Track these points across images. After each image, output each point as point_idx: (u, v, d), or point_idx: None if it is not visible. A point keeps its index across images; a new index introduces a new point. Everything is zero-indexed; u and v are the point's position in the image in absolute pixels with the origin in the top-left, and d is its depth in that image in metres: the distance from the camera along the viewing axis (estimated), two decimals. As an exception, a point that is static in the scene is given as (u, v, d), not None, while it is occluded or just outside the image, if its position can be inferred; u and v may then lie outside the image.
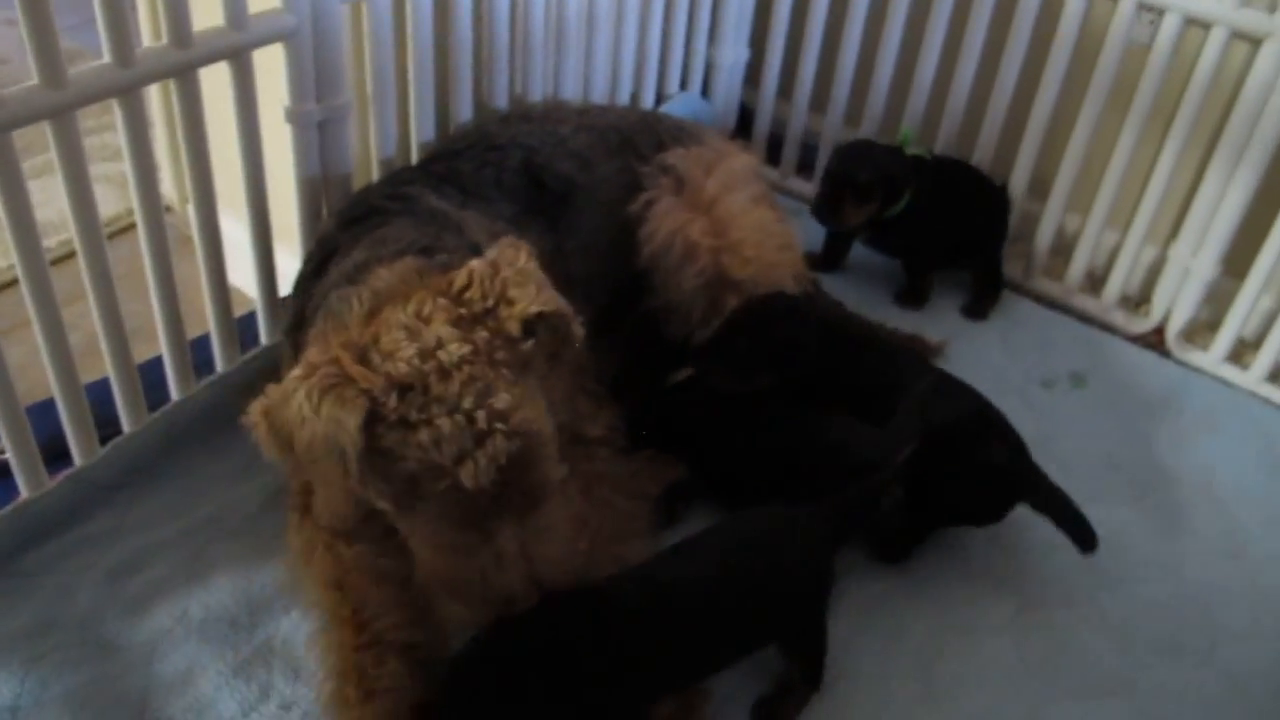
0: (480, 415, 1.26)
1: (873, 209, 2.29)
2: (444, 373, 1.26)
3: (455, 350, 1.27)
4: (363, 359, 1.27)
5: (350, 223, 1.62)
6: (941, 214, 2.35)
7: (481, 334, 1.30)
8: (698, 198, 1.97)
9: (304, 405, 1.24)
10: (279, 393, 1.28)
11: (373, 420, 1.24)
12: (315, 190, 1.85)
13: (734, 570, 1.47)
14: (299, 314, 1.57)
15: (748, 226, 1.98)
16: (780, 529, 1.52)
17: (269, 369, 1.90)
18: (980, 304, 2.44)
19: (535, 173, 1.86)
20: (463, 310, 1.31)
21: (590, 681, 1.33)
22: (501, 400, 1.28)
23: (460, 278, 1.33)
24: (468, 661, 1.35)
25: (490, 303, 1.31)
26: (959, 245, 2.44)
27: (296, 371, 1.28)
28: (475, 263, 1.34)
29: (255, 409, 1.30)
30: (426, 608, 1.57)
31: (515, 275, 1.33)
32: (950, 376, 1.86)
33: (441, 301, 1.30)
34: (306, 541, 1.62)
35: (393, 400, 1.25)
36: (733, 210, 1.96)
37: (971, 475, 1.76)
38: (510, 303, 1.31)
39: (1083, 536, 1.72)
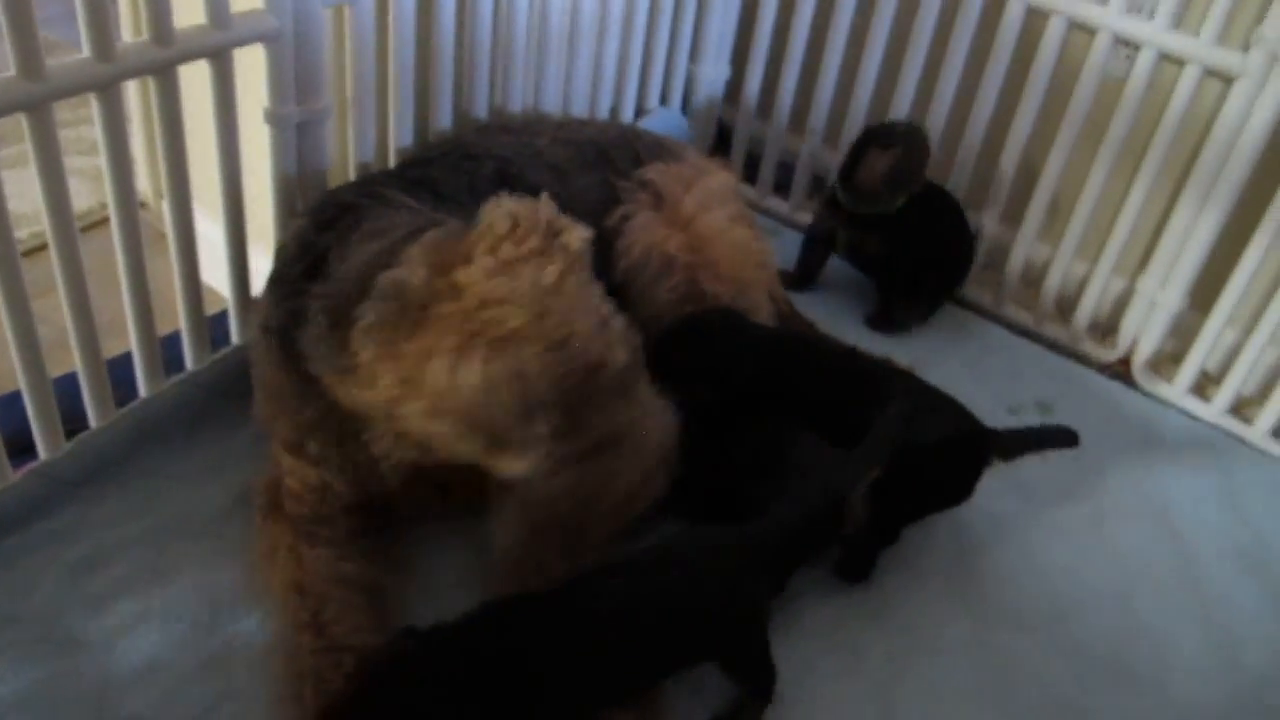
0: (595, 305, 1.42)
1: (918, 186, 2.32)
2: (555, 291, 1.35)
3: (552, 271, 1.36)
4: (486, 320, 1.33)
5: (327, 224, 1.61)
6: (924, 230, 2.39)
7: (558, 256, 1.38)
8: (675, 214, 1.98)
9: (471, 378, 1.30)
10: (442, 388, 1.32)
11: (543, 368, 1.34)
12: (291, 192, 1.85)
13: (653, 590, 1.47)
14: (293, 314, 1.54)
15: (725, 244, 1.99)
16: (706, 550, 1.52)
17: (239, 368, 1.90)
18: (910, 315, 2.48)
19: (509, 183, 1.85)
20: (528, 246, 1.37)
21: (496, 695, 1.33)
22: (598, 292, 1.44)
23: (500, 223, 1.38)
24: (376, 664, 1.36)
25: (541, 237, 1.38)
26: (930, 267, 2.46)
27: (440, 363, 1.31)
28: (508, 207, 1.40)
29: (420, 412, 1.34)
30: (386, 614, 1.58)
31: (551, 213, 1.41)
32: (930, 391, 1.87)
33: (507, 246, 1.37)
34: (270, 543, 1.62)
35: (536, 331, 1.32)
36: (710, 228, 1.98)
37: (935, 473, 1.79)
38: (559, 232, 1.39)
39: (1063, 440, 1.83)
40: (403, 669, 1.34)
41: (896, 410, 1.70)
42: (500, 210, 1.39)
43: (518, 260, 1.36)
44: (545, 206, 1.41)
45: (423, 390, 1.34)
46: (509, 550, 1.65)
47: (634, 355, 1.48)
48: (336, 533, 1.63)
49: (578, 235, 1.40)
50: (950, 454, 1.79)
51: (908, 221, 2.33)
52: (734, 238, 2.02)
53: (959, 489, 1.83)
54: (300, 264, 1.56)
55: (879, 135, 2.30)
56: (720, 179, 2.09)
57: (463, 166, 1.84)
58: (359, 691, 1.33)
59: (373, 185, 1.72)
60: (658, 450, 1.52)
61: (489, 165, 1.86)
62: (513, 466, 1.39)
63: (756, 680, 1.57)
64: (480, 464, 1.40)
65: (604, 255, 1.94)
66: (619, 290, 1.96)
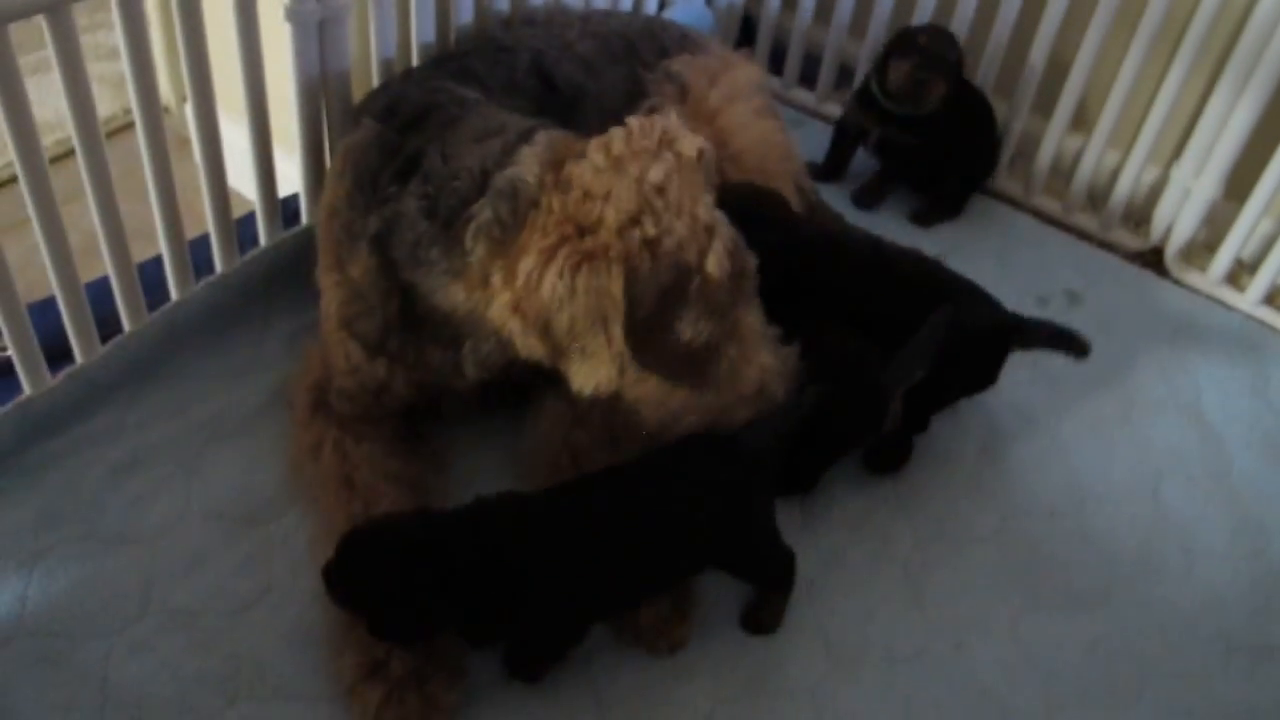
0: (701, 213, 1.39)
1: (946, 91, 2.29)
2: (659, 190, 1.37)
3: (659, 171, 1.37)
4: (584, 218, 1.35)
5: (409, 125, 1.59)
6: (956, 132, 2.37)
7: (668, 157, 1.40)
8: (700, 107, 1.96)
9: (558, 288, 1.32)
10: (523, 285, 1.35)
11: (628, 274, 1.34)
12: (314, 91, 1.83)
13: (641, 496, 1.46)
14: (388, 220, 1.52)
15: (750, 138, 1.98)
16: (692, 455, 1.49)
17: (269, 270, 1.91)
18: (933, 215, 2.47)
19: (546, 74, 1.86)
20: (643, 146, 1.40)
21: (474, 578, 1.35)
22: (709, 200, 1.42)
23: (618, 133, 1.42)
24: (375, 528, 1.39)
25: (655, 142, 1.41)
26: (958, 169, 2.45)
27: (529, 260, 1.35)
28: (629, 120, 1.44)
29: (501, 306, 1.39)
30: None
31: (671, 124, 1.44)
32: (955, 279, 1.86)
33: (619, 145, 1.40)
34: (315, 437, 1.65)
35: (634, 233, 1.34)
36: (735, 122, 1.96)
37: (965, 361, 1.79)
38: (673, 141, 1.41)
39: (1075, 347, 1.81)
40: (388, 533, 1.37)
41: (943, 318, 1.69)
42: (629, 119, 1.43)
43: (628, 158, 1.38)
44: (664, 118, 1.44)
45: (513, 284, 1.37)
46: (549, 440, 1.68)
47: (741, 278, 1.46)
48: (383, 431, 1.67)
49: (691, 143, 1.42)
50: (979, 343, 1.78)
51: (941, 122, 2.31)
52: (758, 131, 2.00)
53: (986, 375, 1.83)
54: (389, 168, 1.55)
55: (901, 43, 2.27)
56: (746, 72, 2.06)
57: (499, 59, 1.83)
58: (348, 543, 1.37)
59: (430, 81, 1.71)
60: (754, 393, 1.51)
61: (524, 57, 1.85)
62: (577, 377, 1.42)
63: (768, 575, 1.59)
64: (550, 366, 1.44)
65: None
66: None
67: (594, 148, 1.40)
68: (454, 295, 1.48)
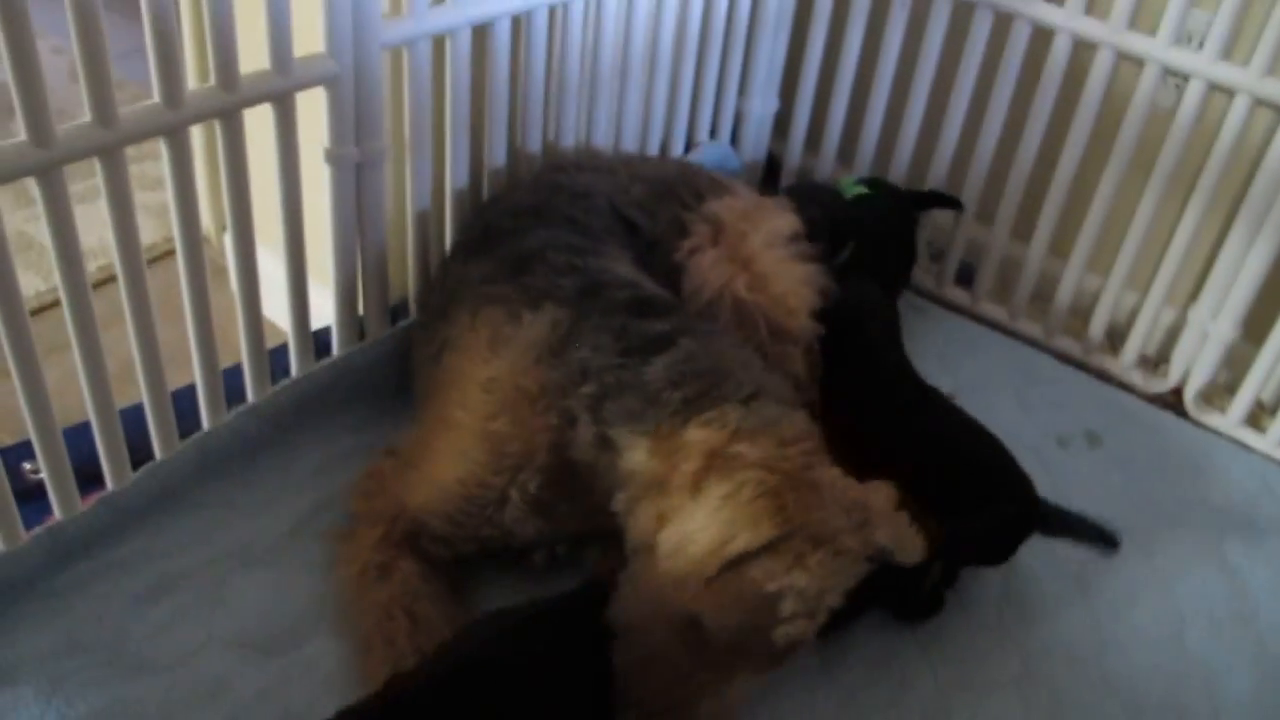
0: (823, 601, 1.41)
1: None
2: (838, 556, 1.41)
3: (854, 551, 1.44)
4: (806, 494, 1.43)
5: (641, 311, 1.67)
6: (883, 249, 2.43)
7: (856, 541, 1.45)
8: (738, 251, 2.00)
9: (747, 485, 1.41)
10: (748, 447, 1.45)
11: (770, 547, 1.38)
12: (349, 229, 1.90)
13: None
14: (608, 386, 1.59)
15: (788, 279, 2.02)
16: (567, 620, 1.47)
17: (298, 400, 1.95)
18: None
19: (625, 218, 1.96)
20: (860, 507, 1.48)
21: None
22: (834, 601, 1.43)
23: (872, 486, 1.52)
24: None
25: (862, 515, 1.47)
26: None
27: (761, 454, 1.45)
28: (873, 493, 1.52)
29: (697, 443, 1.47)
30: None
31: (888, 517, 1.51)
32: (992, 444, 1.88)
33: (857, 489, 1.50)
34: (386, 559, 1.67)
35: (797, 541, 1.39)
36: (774, 265, 2.01)
37: (987, 525, 1.79)
38: (874, 526, 1.48)
39: (1105, 540, 1.79)
40: None
41: (1010, 513, 1.76)
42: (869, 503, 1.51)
43: (852, 507, 1.46)
44: (887, 495, 1.53)
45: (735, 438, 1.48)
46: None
47: (768, 658, 1.46)
48: (447, 572, 1.71)
49: (884, 535, 1.49)
50: (1004, 523, 1.81)
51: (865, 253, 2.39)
52: (797, 274, 2.04)
53: (1000, 553, 1.84)
54: (615, 347, 1.62)
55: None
56: (783, 220, 2.11)
57: (584, 205, 1.93)
58: None
59: (589, 253, 1.79)
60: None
61: (602, 202, 1.95)
62: (693, 521, 1.43)
63: None
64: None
65: (674, 288, 1.97)
66: None
67: (839, 470, 1.51)
68: (637, 451, 1.54)
